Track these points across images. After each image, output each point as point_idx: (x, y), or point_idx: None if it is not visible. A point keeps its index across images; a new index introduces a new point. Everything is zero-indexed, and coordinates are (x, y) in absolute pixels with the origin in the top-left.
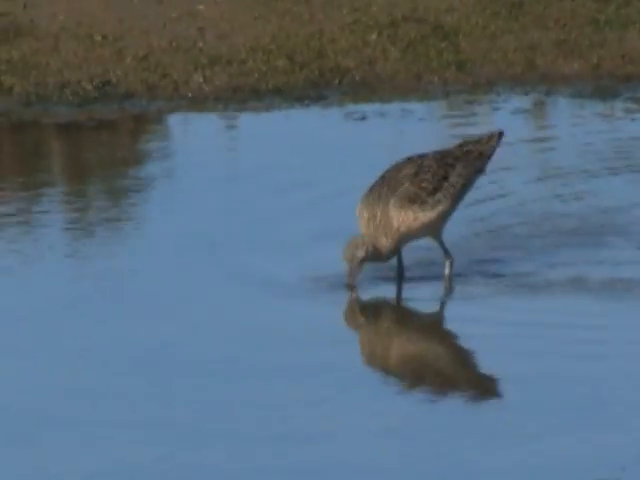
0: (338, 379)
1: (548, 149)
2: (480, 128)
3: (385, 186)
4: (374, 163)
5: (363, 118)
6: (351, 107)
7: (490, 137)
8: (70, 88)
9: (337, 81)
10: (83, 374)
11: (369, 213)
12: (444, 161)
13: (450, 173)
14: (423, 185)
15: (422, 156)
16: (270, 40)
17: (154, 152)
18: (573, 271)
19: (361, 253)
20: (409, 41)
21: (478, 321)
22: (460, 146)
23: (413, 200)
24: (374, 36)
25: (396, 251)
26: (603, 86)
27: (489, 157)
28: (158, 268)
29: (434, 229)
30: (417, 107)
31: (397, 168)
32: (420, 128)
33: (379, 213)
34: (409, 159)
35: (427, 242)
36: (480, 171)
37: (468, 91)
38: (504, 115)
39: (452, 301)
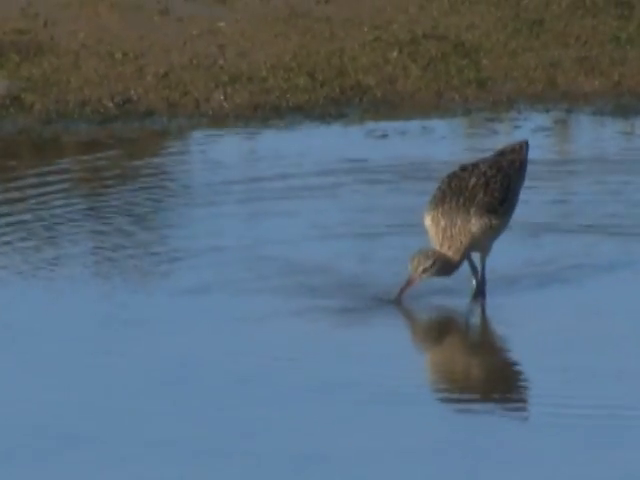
0: (360, 397)
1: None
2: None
3: (459, 196)
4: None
5: (384, 136)
6: (372, 125)
7: (520, 146)
8: (91, 106)
9: (358, 99)
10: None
11: (446, 221)
12: (503, 171)
13: (511, 182)
14: (495, 195)
15: (475, 165)
16: (291, 58)
17: (175, 170)
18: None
19: (427, 265)
20: (430, 59)
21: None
22: (500, 155)
23: (490, 210)
24: (395, 54)
25: (462, 263)
26: (624, 104)
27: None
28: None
29: (491, 240)
30: (438, 125)
31: (459, 178)
32: (441, 146)
33: (459, 221)
34: (464, 169)
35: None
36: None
37: (489, 109)
38: (525, 133)
39: (484, 315)
